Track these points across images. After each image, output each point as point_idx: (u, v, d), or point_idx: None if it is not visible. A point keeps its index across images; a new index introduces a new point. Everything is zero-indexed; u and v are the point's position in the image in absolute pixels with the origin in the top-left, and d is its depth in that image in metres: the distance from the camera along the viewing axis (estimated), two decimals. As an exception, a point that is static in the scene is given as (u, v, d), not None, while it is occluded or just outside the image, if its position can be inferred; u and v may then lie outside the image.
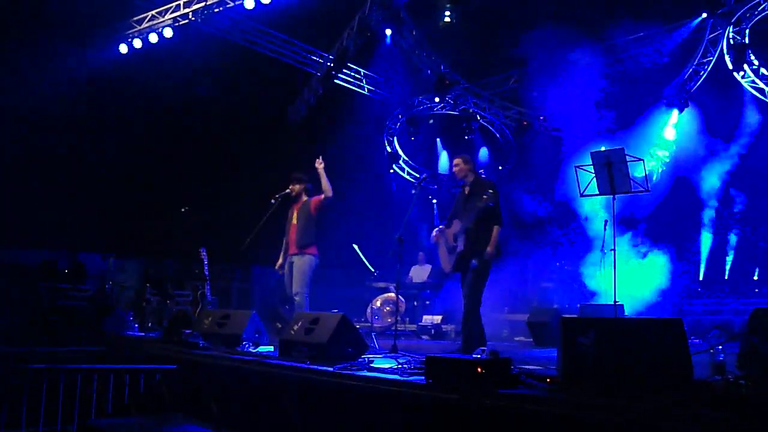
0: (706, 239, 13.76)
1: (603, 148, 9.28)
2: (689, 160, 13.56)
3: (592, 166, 8.75)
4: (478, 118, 17.25)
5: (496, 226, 7.05)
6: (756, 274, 12.97)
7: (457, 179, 7.61)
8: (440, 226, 7.64)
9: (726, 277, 13.52)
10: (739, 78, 13.56)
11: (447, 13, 14.13)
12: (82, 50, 13.45)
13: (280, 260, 8.86)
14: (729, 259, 13.68)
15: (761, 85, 13.65)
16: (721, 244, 13.82)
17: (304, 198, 8.87)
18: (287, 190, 8.92)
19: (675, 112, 14.07)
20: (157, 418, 6.00)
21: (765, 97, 13.75)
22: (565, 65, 13.58)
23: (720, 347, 4.49)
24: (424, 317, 12.22)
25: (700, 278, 13.61)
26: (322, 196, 8.60)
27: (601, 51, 13.61)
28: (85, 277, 12.26)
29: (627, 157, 8.51)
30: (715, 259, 13.80)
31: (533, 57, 13.91)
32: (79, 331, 9.43)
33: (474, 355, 4.66)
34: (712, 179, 13.58)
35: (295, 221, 8.76)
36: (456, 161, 7.58)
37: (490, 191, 6.91)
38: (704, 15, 13.20)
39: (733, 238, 13.70)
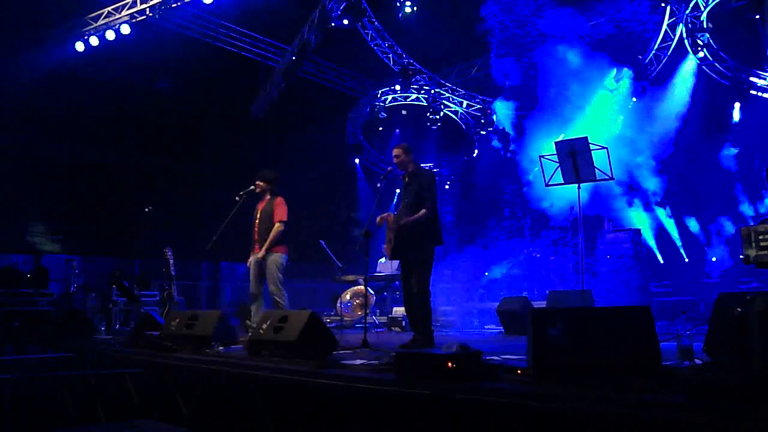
0: (645, 221, 13.95)
1: (562, 136, 9.34)
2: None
3: (556, 156, 8.79)
4: (442, 107, 17.27)
5: (423, 210, 7.06)
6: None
7: (399, 170, 7.60)
8: (389, 213, 7.66)
9: (686, 260, 13.74)
10: (698, 61, 13.79)
11: (408, 3, 14.08)
12: (36, 48, 13.18)
13: (251, 257, 8.76)
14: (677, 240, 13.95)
15: (720, 68, 13.88)
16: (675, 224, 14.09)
17: (268, 197, 8.76)
18: (251, 187, 8.82)
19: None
20: (127, 423, 5.90)
21: (724, 80, 13.97)
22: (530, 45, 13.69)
23: (687, 332, 4.54)
24: (395, 309, 12.22)
25: (662, 261, 13.82)
26: (283, 214, 8.54)
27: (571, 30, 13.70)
28: (48, 281, 12.01)
29: (591, 145, 8.57)
30: (666, 241, 14.03)
31: (496, 41, 14.00)
32: (43, 337, 9.24)
33: (444, 349, 4.65)
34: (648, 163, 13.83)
35: (257, 220, 8.68)
36: (396, 151, 7.51)
37: (425, 209, 6.98)
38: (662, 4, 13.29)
39: (669, 222, 13.98)
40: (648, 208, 13.81)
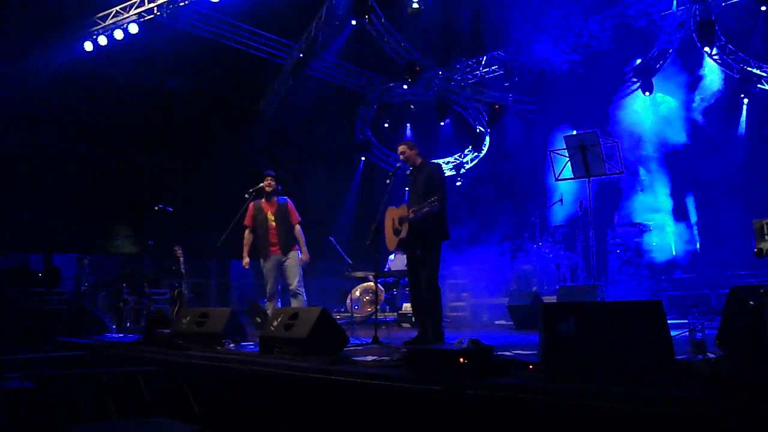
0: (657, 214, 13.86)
1: (574, 132, 9.32)
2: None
3: (566, 150, 8.75)
4: (451, 103, 17.22)
5: (436, 201, 7.03)
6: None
7: (406, 165, 7.61)
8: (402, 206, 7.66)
9: (698, 250, 13.64)
10: (706, 54, 13.72)
11: (415, -1, 14.04)
12: (44, 49, 13.21)
13: (247, 258, 8.87)
14: (695, 231, 13.84)
15: (728, 60, 13.81)
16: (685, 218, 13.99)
17: (274, 199, 8.85)
18: (261, 185, 8.86)
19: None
20: (139, 421, 5.91)
21: (732, 72, 13.89)
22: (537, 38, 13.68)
23: (699, 326, 4.52)
24: (405, 305, 12.20)
25: (674, 253, 13.74)
26: (297, 215, 8.90)
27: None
28: (59, 280, 12.06)
29: (600, 139, 8.53)
30: (684, 232, 13.94)
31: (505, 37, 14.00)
32: (55, 336, 9.28)
33: (455, 345, 4.64)
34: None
35: (273, 222, 8.80)
36: (401, 148, 7.57)
37: (435, 198, 6.93)
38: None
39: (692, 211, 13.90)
40: (661, 200, 13.75)
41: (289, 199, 8.96)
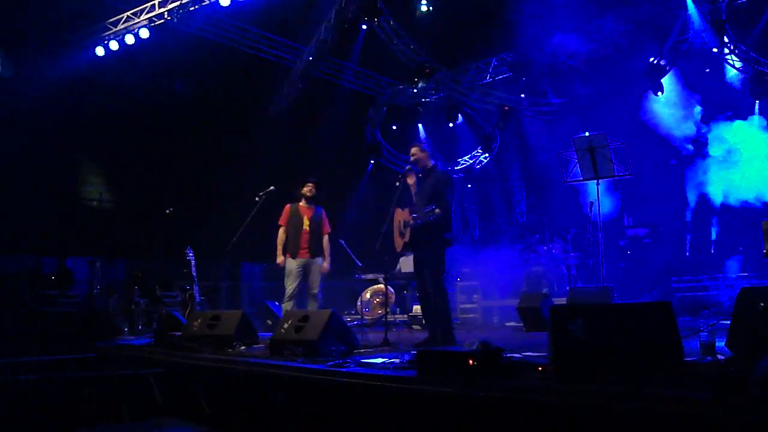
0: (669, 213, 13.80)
1: (587, 134, 9.29)
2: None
3: (575, 152, 8.75)
4: (460, 104, 17.21)
5: (437, 210, 7.04)
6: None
7: (417, 168, 7.63)
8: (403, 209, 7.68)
9: (711, 251, 13.56)
10: (717, 54, 13.67)
11: (423, 1, 14.04)
12: (57, 53, 13.31)
13: (282, 257, 9.08)
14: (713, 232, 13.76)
15: (739, 60, 13.74)
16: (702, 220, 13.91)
17: (314, 205, 9.23)
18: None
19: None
20: (150, 422, 5.95)
21: (742, 72, 13.82)
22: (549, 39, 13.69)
23: (709, 327, 4.51)
24: (415, 307, 12.20)
25: (687, 254, 13.68)
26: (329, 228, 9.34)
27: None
28: (72, 283, 12.13)
29: (609, 141, 8.52)
30: (698, 234, 13.86)
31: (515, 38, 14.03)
32: (67, 338, 9.34)
33: (465, 347, 4.65)
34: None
35: (307, 227, 9.09)
36: (413, 150, 7.64)
37: (436, 209, 6.93)
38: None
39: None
40: (674, 199, 13.70)
41: (323, 209, 9.32)
